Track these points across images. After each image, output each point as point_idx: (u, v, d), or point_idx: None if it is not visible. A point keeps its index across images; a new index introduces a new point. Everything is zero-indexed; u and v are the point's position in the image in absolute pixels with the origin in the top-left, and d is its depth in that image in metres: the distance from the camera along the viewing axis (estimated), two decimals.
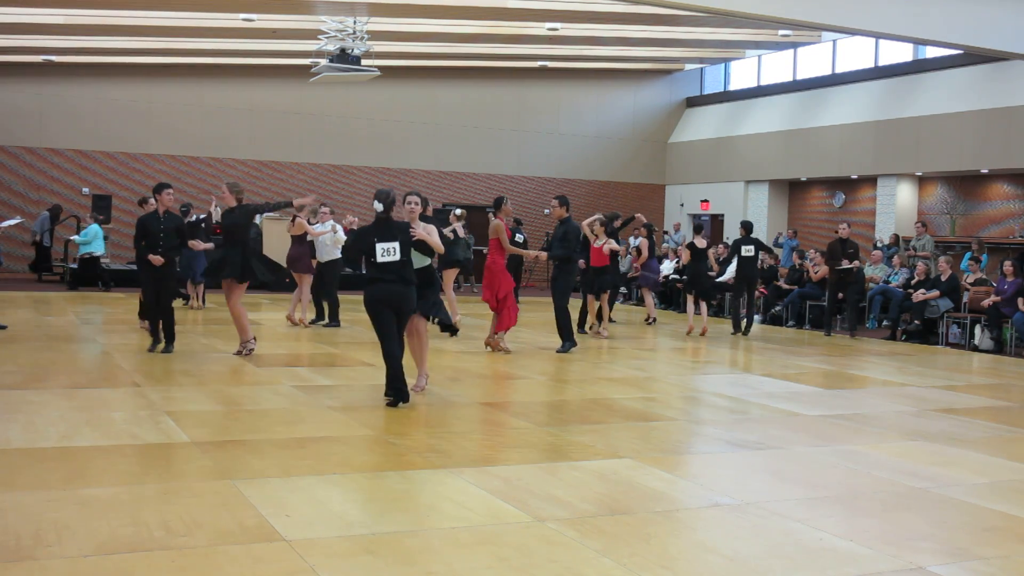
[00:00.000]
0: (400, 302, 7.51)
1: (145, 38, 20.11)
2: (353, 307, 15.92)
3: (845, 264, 14.70)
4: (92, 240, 18.46)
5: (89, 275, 18.65)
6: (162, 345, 10.22)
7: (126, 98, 22.77)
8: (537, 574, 4.03)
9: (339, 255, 13.27)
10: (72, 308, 14.82)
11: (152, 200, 10.61)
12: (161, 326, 10.26)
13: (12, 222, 16.07)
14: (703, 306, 14.52)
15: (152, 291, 10.25)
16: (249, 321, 10.38)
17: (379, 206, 7.54)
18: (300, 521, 4.59)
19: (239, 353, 10.12)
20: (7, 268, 19.85)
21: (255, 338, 10.32)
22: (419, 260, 7.97)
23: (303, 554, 4.11)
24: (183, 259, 13.75)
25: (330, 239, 13.35)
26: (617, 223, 14.82)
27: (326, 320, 13.71)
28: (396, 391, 7.53)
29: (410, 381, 7.82)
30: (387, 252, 7.44)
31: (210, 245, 12.41)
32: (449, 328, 8.70)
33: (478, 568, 4.06)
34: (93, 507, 4.67)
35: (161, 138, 23.03)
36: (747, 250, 14.64)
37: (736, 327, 14.63)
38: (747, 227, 14.89)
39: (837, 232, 15.23)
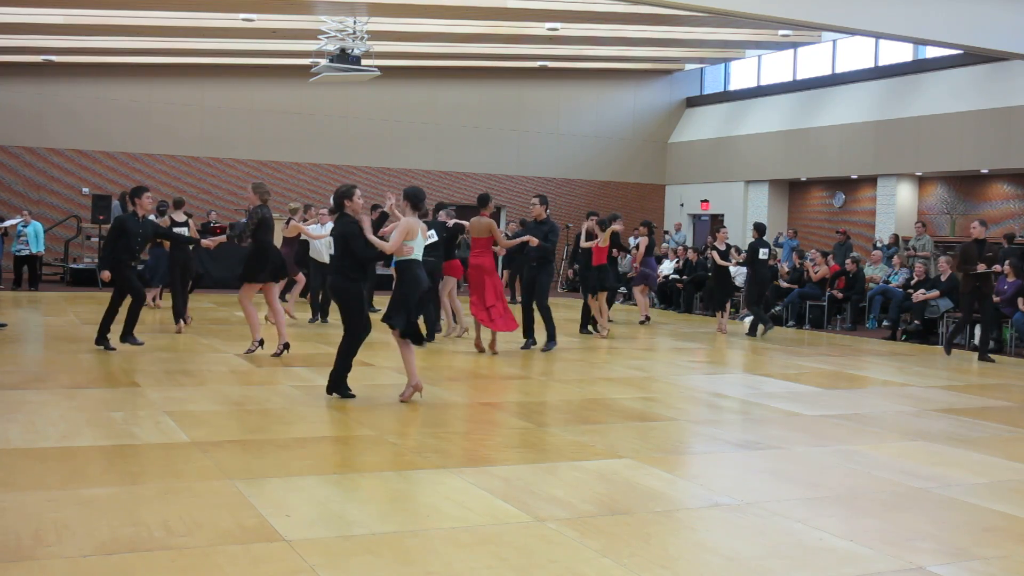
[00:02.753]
0: (334, 295, 7.77)
1: (145, 38, 20.12)
2: None
3: (981, 268, 12.57)
4: (37, 237, 18.03)
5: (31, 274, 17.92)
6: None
7: (126, 98, 22.78)
8: (537, 574, 4.03)
9: None
10: (72, 308, 14.82)
11: (143, 198, 10.48)
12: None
13: (13, 222, 16.07)
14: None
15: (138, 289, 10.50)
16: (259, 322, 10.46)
17: (332, 202, 7.72)
18: (300, 521, 4.59)
19: (250, 351, 10.20)
20: (7, 268, 19.84)
21: (262, 340, 10.33)
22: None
23: (303, 554, 4.11)
24: (151, 259, 14.15)
25: (327, 241, 13.33)
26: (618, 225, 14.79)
27: (321, 319, 13.77)
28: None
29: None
30: (330, 246, 7.70)
31: (222, 238, 12.47)
32: (411, 336, 7.81)
33: (478, 568, 4.06)
34: (93, 507, 4.67)
35: (161, 138, 23.04)
36: (764, 253, 14.57)
37: (754, 330, 14.50)
38: (760, 229, 14.74)
39: (970, 233, 13.03)
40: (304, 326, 13.38)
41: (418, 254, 7.82)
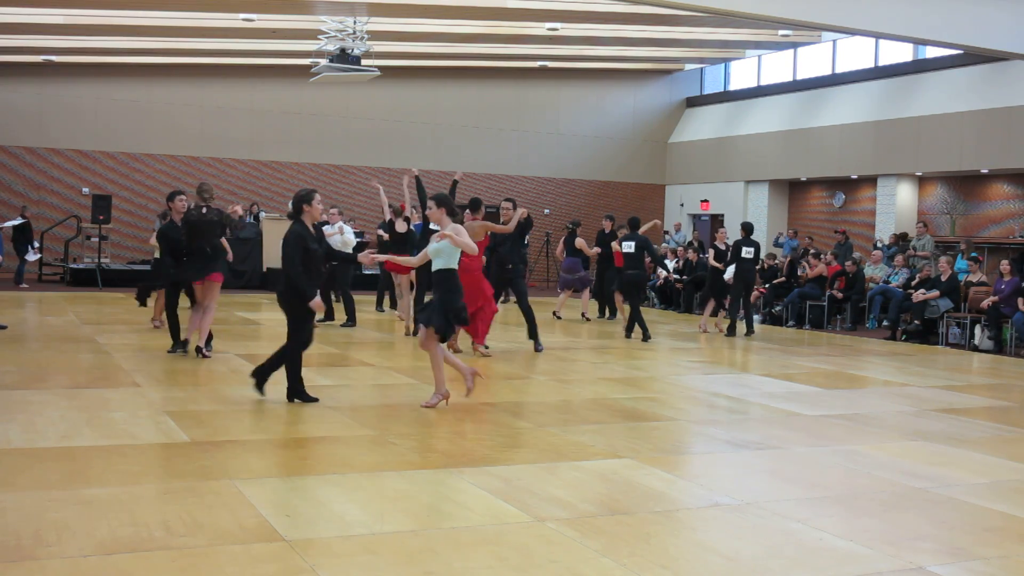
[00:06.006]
0: (280, 303, 7.66)
1: (145, 38, 20.12)
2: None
3: None
4: None
5: None
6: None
7: (126, 98, 22.77)
8: (537, 574, 4.03)
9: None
10: (72, 308, 14.82)
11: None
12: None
13: (14, 222, 16.07)
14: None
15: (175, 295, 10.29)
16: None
17: (290, 207, 7.63)
18: (300, 521, 4.59)
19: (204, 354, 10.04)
20: (7, 268, 19.84)
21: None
22: (437, 262, 7.56)
23: (303, 554, 4.11)
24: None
25: (339, 240, 13.33)
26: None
27: (345, 320, 13.68)
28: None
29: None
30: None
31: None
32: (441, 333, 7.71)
33: (478, 568, 4.06)
34: (93, 507, 4.67)
35: (161, 138, 23.04)
36: (747, 252, 14.62)
37: (732, 329, 14.55)
38: (747, 228, 14.85)
39: None
40: None
41: (453, 262, 7.61)
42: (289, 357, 7.62)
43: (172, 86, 23.04)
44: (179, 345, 10.16)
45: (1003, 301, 13.73)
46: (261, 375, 7.65)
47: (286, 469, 5.62)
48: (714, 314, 15.22)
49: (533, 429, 7.04)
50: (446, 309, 7.47)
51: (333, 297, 13.87)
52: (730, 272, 15.11)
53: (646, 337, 13.13)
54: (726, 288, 15.06)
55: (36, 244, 19.41)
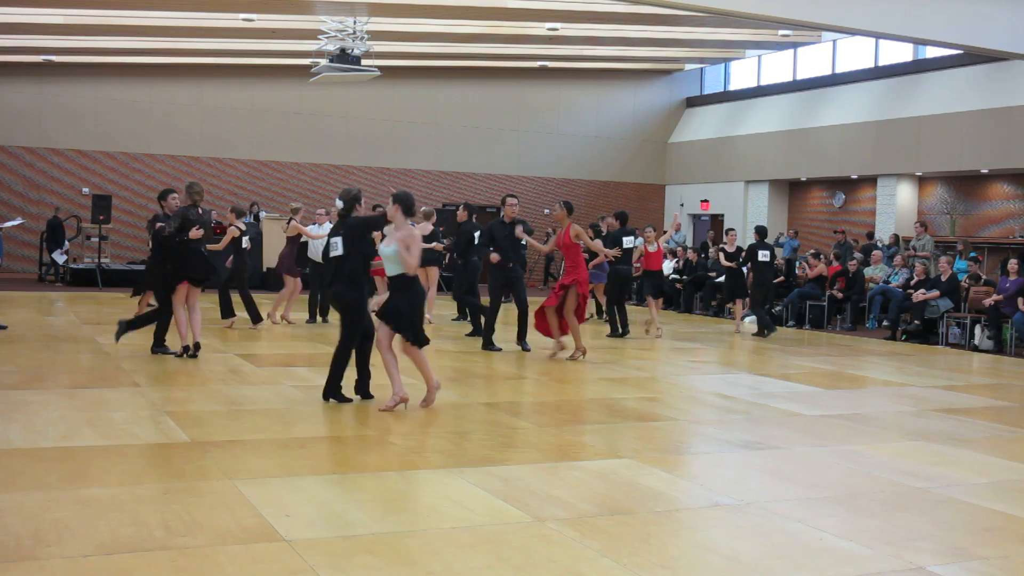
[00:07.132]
0: (336, 301, 7.66)
1: (145, 38, 20.12)
2: None
3: None
4: None
5: None
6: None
7: (126, 98, 22.77)
8: (537, 574, 4.02)
9: None
10: (72, 308, 14.82)
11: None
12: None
13: (14, 223, 16.06)
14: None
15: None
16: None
17: (339, 203, 7.58)
18: (300, 521, 4.59)
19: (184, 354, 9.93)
20: (7, 268, 19.85)
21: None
22: (393, 267, 7.28)
23: (303, 554, 4.11)
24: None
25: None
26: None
27: (321, 319, 13.72)
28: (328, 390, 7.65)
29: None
30: (335, 247, 7.51)
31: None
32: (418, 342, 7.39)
33: (478, 568, 4.06)
34: (93, 507, 4.66)
35: (161, 138, 23.04)
36: (764, 255, 14.65)
37: (762, 330, 14.60)
38: (762, 232, 14.90)
39: None
40: (302, 326, 13.39)
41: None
42: (346, 357, 7.58)
43: (172, 86, 23.04)
44: (175, 348, 10.09)
45: (1005, 301, 13.71)
46: (333, 391, 7.60)
47: (286, 469, 5.61)
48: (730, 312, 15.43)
49: (533, 429, 7.04)
50: (401, 315, 7.26)
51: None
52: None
53: (613, 333, 13.45)
54: (745, 287, 15.14)
55: (66, 245, 19.67)
